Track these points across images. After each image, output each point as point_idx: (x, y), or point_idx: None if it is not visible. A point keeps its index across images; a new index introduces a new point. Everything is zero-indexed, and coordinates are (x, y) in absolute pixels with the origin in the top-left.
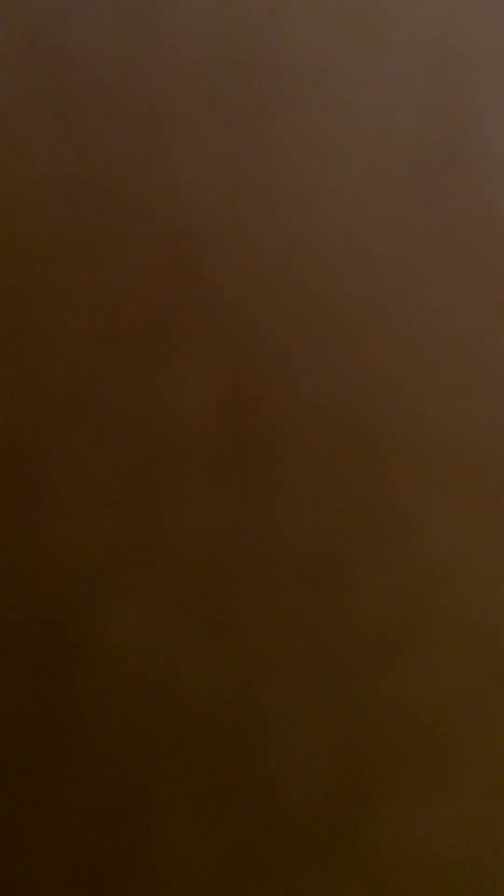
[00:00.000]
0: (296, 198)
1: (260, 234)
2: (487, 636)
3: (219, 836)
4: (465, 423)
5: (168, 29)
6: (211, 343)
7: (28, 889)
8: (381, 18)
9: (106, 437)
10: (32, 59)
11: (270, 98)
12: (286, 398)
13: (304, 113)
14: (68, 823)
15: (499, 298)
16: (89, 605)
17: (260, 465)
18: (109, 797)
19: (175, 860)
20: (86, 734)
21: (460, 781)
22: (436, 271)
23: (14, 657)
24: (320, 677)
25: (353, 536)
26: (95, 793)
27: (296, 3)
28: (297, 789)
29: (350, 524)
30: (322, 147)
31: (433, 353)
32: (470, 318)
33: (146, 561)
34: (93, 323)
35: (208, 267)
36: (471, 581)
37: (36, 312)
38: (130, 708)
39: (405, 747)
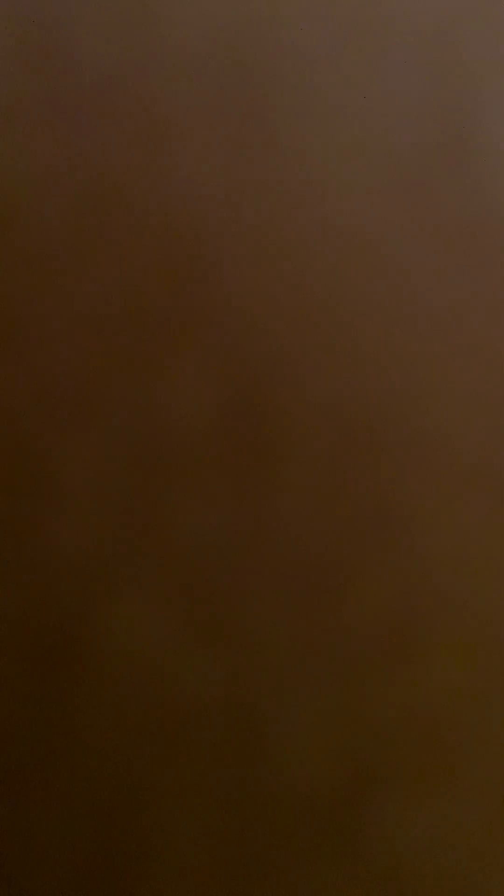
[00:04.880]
0: (296, 197)
1: (260, 233)
2: (488, 637)
3: (218, 837)
4: (468, 424)
5: (168, 29)
6: (212, 343)
7: (28, 889)
8: (381, 18)
9: (106, 438)
10: (31, 59)
11: (270, 98)
12: (287, 399)
13: (305, 113)
14: (67, 824)
15: (500, 298)
16: (88, 607)
17: (261, 467)
18: (108, 798)
19: (174, 861)
20: (85, 735)
21: (460, 782)
22: (437, 271)
23: (12, 657)
24: (320, 678)
25: (355, 538)
26: (94, 793)
27: (296, 3)
28: (296, 790)
29: (351, 526)
30: (322, 147)
31: (435, 353)
32: (471, 318)
33: (146, 562)
34: (93, 323)
35: (208, 267)
36: (472, 582)
37: (35, 313)
38: (130, 709)
39: (405, 749)
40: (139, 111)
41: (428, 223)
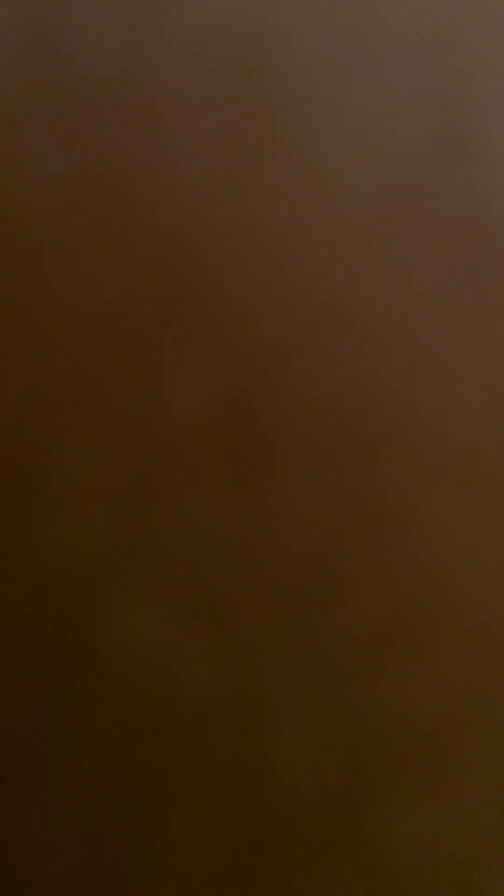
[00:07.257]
0: (295, 198)
1: (260, 233)
2: (488, 638)
3: (219, 837)
4: (466, 424)
5: (168, 29)
6: (210, 343)
7: (31, 886)
8: (380, 18)
9: (106, 437)
10: (32, 59)
11: (270, 98)
12: (286, 399)
13: (304, 113)
14: (68, 824)
15: (499, 298)
16: (88, 606)
17: (260, 467)
18: (110, 798)
19: (176, 861)
20: (86, 735)
21: (460, 782)
22: (436, 271)
23: (12, 657)
24: (320, 679)
25: (354, 538)
26: (95, 793)
27: (296, 3)
28: (297, 791)
29: (350, 526)
30: (322, 147)
31: (434, 354)
32: (470, 319)
33: (146, 563)
34: (92, 322)
35: (208, 266)
36: (471, 583)
37: (35, 312)
38: (130, 709)
39: (405, 749)
40: (139, 111)
41: (427, 223)
